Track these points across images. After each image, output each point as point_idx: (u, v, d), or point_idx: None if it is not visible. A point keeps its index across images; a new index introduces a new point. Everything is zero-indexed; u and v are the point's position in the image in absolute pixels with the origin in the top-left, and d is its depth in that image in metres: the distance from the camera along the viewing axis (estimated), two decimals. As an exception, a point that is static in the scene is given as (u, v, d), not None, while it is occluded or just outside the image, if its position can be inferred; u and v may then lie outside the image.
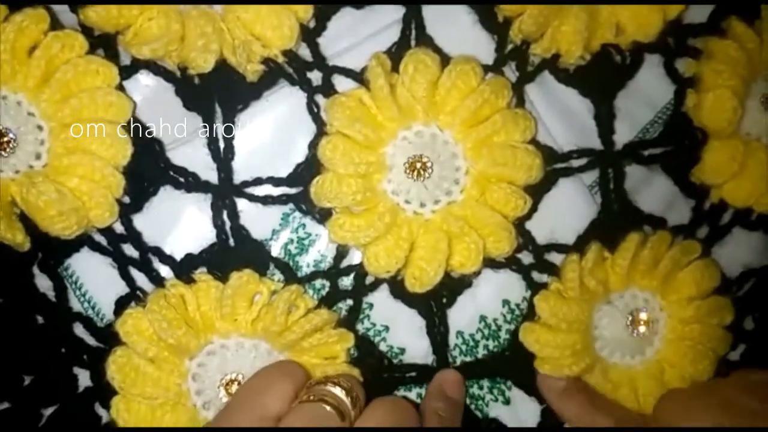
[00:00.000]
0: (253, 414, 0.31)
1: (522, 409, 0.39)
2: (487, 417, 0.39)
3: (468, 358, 0.39)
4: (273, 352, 0.37)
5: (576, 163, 0.39)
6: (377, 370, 0.38)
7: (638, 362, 0.39)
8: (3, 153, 0.33)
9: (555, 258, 0.39)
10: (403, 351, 0.39)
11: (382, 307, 0.38)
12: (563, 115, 0.39)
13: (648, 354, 0.39)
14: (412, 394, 0.39)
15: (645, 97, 0.40)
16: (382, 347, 0.38)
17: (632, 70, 0.39)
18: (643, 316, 0.38)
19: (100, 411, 0.37)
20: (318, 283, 0.38)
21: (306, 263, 0.38)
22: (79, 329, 0.37)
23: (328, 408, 0.31)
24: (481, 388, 0.39)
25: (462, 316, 0.39)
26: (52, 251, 0.36)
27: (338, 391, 0.32)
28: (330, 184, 0.36)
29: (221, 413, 0.34)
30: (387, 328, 0.39)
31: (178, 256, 0.37)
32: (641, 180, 0.40)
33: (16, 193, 0.33)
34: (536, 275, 0.38)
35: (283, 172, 0.37)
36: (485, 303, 0.39)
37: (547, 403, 0.39)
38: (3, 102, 0.32)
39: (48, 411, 0.37)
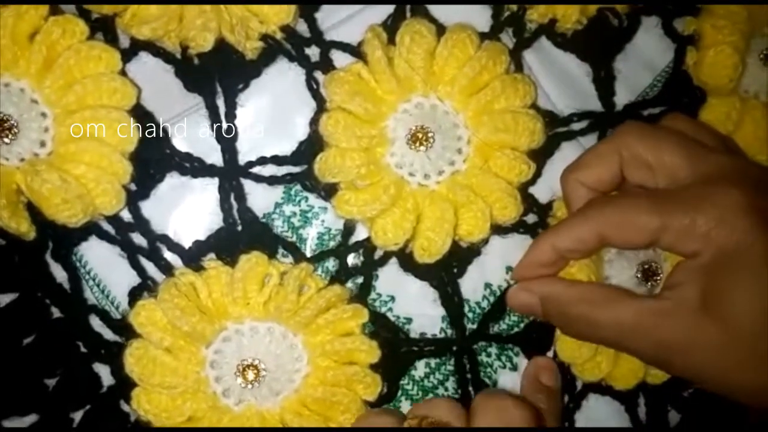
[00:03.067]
0: None
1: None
2: (496, 384, 0.39)
3: (475, 326, 0.39)
4: (288, 334, 0.37)
5: (577, 126, 0.39)
6: (393, 344, 0.38)
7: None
8: (5, 140, 0.32)
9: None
10: (409, 321, 0.39)
11: (387, 277, 0.38)
12: (562, 80, 0.39)
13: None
14: (421, 364, 0.39)
15: (644, 61, 0.41)
16: (390, 317, 0.38)
17: (630, 33, 0.40)
18: (651, 266, 0.38)
19: (126, 408, 0.37)
20: (327, 262, 0.38)
21: (310, 236, 0.38)
22: (96, 322, 0.37)
23: None
24: (489, 355, 0.39)
25: (468, 284, 0.39)
26: (61, 240, 0.35)
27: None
28: (333, 159, 0.36)
29: None
30: (393, 299, 0.39)
31: (186, 243, 0.37)
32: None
33: (21, 181, 0.33)
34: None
35: (286, 151, 0.37)
36: (490, 270, 0.39)
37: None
38: (5, 89, 0.32)
39: (77, 415, 0.37)
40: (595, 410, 0.40)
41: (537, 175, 0.39)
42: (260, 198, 0.38)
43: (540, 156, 0.39)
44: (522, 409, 0.34)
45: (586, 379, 0.39)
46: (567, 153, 0.39)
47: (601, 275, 0.38)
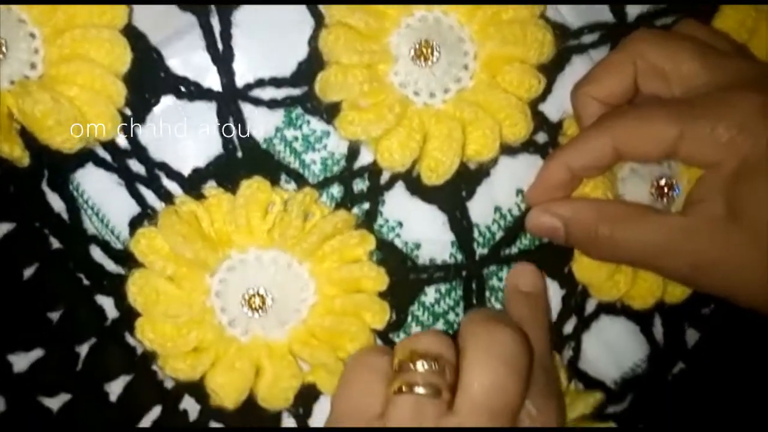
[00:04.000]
0: (359, 421, 0.31)
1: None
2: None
3: (485, 251, 0.38)
4: (293, 263, 0.36)
5: (588, 39, 0.38)
6: (401, 270, 0.37)
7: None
8: (-6, 57, 0.31)
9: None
10: (418, 246, 0.37)
11: (394, 203, 0.37)
12: (571, -9, 0.38)
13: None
14: (431, 290, 0.38)
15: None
16: (397, 243, 0.37)
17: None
18: (666, 183, 0.37)
19: (132, 341, 0.36)
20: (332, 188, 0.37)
21: (313, 161, 0.37)
22: (97, 253, 0.36)
23: (421, 391, 0.31)
24: (500, 279, 0.38)
25: (478, 208, 0.38)
26: (57, 168, 0.35)
27: (423, 367, 0.31)
28: (335, 76, 0.35)
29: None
30: (401, 224, 0.37)
31: (185, 170, 0.36)
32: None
33: (12, 105, 0.32)
34: (553, 152, 0.37)
35: (285, 73, 0.36)
36: (500, 194, 0.38)
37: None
38: (-9, 8, 0.31)
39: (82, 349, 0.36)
40: (608, 331, 0.39)
41: (547, 91, 0.37)
42: (260, 122, 0.36)
43: (550, 71, 0.37)
44: (510, 328, 0.33)
45: (603, 299, 0.38)
46: (578, 68, 0.37)
47: (616, 193, 0.37)
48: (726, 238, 0.32)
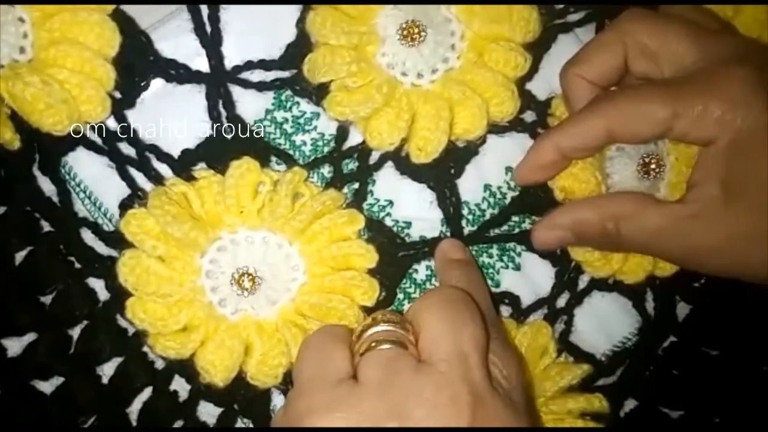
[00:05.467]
0: (328, 384, 0.29)
1: (533, 273, 0.39)
2: (499, 285, 0.38)
3: (474, 228, 0.38)
4: (283, 244, 0.36)
5: (573, 17, 0.38)
6: (390, 248, 0.37)
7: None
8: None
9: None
10: (409, 225, 0.38)
11: (384, 182, 0.38)
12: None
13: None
14: (421, 266, 0.38)
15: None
16: (388, 222, 0.38)
17: None
18: (653, 160, 0.37)
19: (123, 323, 0.36)
20: (322, 169, 0.37)
21: (303, 142, 0.37)
22: (88, 236, 0.36)
23: (387, 346, 0.29)
24: (491, 256, 0.38)
25: (467, 187, 0.38)
26: (48, 152, 0.35)
27: (384, 327, 0.30)
28: (323, 57, 0.35)
29: (294, 399, 0.29)
30: (391, 203, 0.38)
31: (175, 152, 0.36)
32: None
33: (2, 88, 0.32)
34: (541, 131, 0.38)
35: (274, 55, 0.36)
36: (489, 171, 0.38)
37: None
38: (-24, -8, 0.31)
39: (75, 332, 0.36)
40: (600, 306, 0.39)
41: (534, 70, 0.37)
42: (249, 105, 0.37)
43: (536, 50, 0.37)
44: (448, 286, 0.33)
45: (597, 275, 0.38)
46: (564, 46, 0.38)
47: (603, 173, 0.37)
48: (726, 221, 0.33)
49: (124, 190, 0.36)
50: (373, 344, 0.30)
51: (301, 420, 0.28)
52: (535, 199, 0.38)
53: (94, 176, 0.36)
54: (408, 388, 0.28)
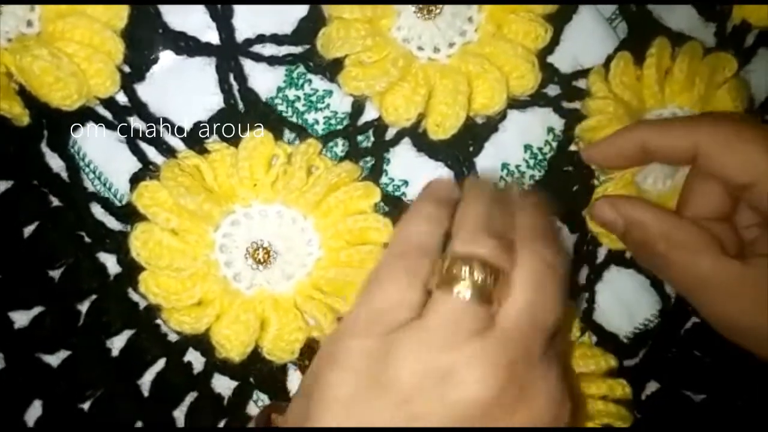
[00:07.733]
0: (386, 327, 0.28)
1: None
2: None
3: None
4: (298, 218, 0.35)
5: (595, -12, 0.37)
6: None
7: (668, 188, 0.37)
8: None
9: (583, 85, 0.37)
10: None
11: (400, 161, 0.37)
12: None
13: (677, 179, 0.37)
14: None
15: None
16: (403, 200, 0.37)
17: None
18: None
19: (134, 297, 0.36)
20: (336, 144, 0.36)
21: (316, 120, 0.36)
22: (98, 211, 0.35)
23: (468, 295, 0.28)
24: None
25: (484, 164, 0.37)
26: (57, 127, 0.34)
27: (476, 273, 0.28)
28: (337, 31, 0.34)
29: (375, 283, 0.29)
30: (406, 183, 0.37)
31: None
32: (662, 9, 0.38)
33: (11, 62, 0.32)
34: (566, 104, 0.37)
35: (286, 29, 0.35)
36: (507, 149, 0.37)
37: None
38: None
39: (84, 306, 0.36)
40: (619, 284, 0.38)
41: (555, 42, 0.36)
42: (261, 82, 0.36)
43: (557, 22, 0.36)
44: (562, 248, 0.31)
45: (614, 246, 0.37)
46: (585, 18, 0.37)
47: None
48: None
49: (133, 167, 0.35)
50: (449, 288, 0.28)
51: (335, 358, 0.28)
52: (555, 180, 0.37)
53: (102, 154, 0.35)
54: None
